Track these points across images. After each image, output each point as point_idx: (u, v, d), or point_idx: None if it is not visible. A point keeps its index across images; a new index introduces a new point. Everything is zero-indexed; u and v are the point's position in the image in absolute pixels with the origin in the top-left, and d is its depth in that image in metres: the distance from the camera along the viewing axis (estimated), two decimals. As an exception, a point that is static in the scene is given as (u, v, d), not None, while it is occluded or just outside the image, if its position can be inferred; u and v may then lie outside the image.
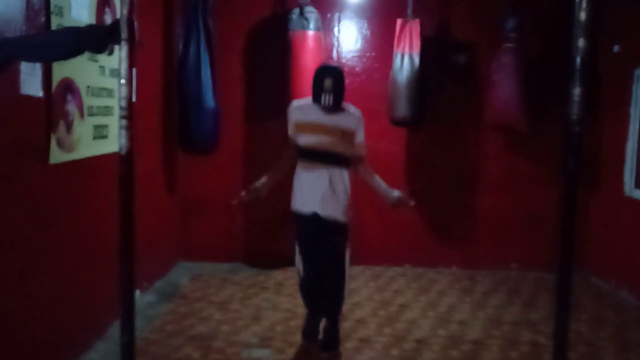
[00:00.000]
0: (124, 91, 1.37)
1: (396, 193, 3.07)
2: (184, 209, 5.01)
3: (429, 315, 3.92)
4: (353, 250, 5.00)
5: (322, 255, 3.09)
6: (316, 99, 2.98)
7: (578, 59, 1.53)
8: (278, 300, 4.14)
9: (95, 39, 1.42)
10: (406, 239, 5.10)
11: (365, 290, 4.42)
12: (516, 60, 4.43)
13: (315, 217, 3.04)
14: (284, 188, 3.31)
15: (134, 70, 3.77)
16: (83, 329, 3.15)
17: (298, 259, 3.20)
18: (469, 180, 5.09)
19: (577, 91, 1.54)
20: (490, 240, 5.07)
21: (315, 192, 3.02)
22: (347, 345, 3.35)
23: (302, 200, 3.08)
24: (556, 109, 4.95)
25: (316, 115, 3.04)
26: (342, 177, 3.08)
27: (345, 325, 3.64)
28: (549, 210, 4.87)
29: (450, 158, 5.06)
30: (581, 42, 1.52)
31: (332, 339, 3.23)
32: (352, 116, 3.12)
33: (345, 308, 3.96)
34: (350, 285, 3.42)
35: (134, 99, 3.75)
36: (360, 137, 3.13)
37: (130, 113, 1.40)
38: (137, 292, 4.05)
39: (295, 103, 3.19)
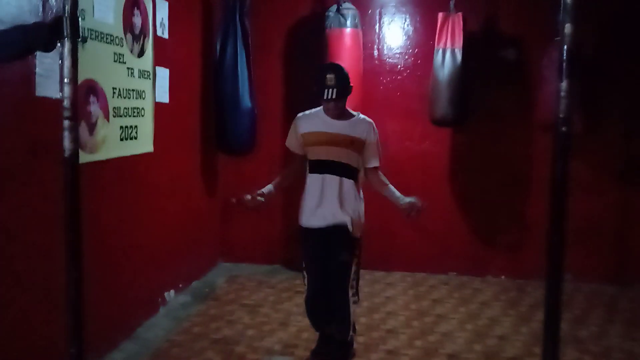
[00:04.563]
0: (67, 91, 1.30)
1: (407, 199, 2.87)
2: (224, 210, 5.01)
3: (467, 328, 3.67)
4: (393, 255, 4.87)
5: (327, 271, 2.90)
6: (319, 95, 2.84)
7: (565, 48, 1.32)
8: (309, 305, 4.02)
9: (41, 36, 1.37)
10: (451, 246, 4.84)
11: (402, 298, 4.23)
12: (569, 54, 4.09)
13: (321, 231, 2.89)
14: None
15: (167, 71, 3.86)
16: (110, 328, 3.17)
17: (305, 278, 3.01)
18: (518, 184, 4.76)
19: (563, 85, 1.33)
20: (542, 249, 4.67)
21: (322, 205, 2.88)
22: (372, 357, 3.18)
23: (309, 214, 2.94)
24: (614, 108, 4.56)
25: (324, 124, 2.92)
26: (352, 189, 2.91)
27: (374, 335, 3.49)
28: (607, 217, 4.47)
29: (497, 160, 4.75)
30: (568, 28, 1.31)
31: (341, 354, 3.06)
32: (362, 123, 2.94)
33: (377, 317, 3.82)
34: (356, 309, 3.18)
35: (167, 101, 3.86)
36: (372, 145, 2.94)
37: (74, 114, 1.32)
38: (172, 293, 4.07)
39: (301, 114, 3.07)
